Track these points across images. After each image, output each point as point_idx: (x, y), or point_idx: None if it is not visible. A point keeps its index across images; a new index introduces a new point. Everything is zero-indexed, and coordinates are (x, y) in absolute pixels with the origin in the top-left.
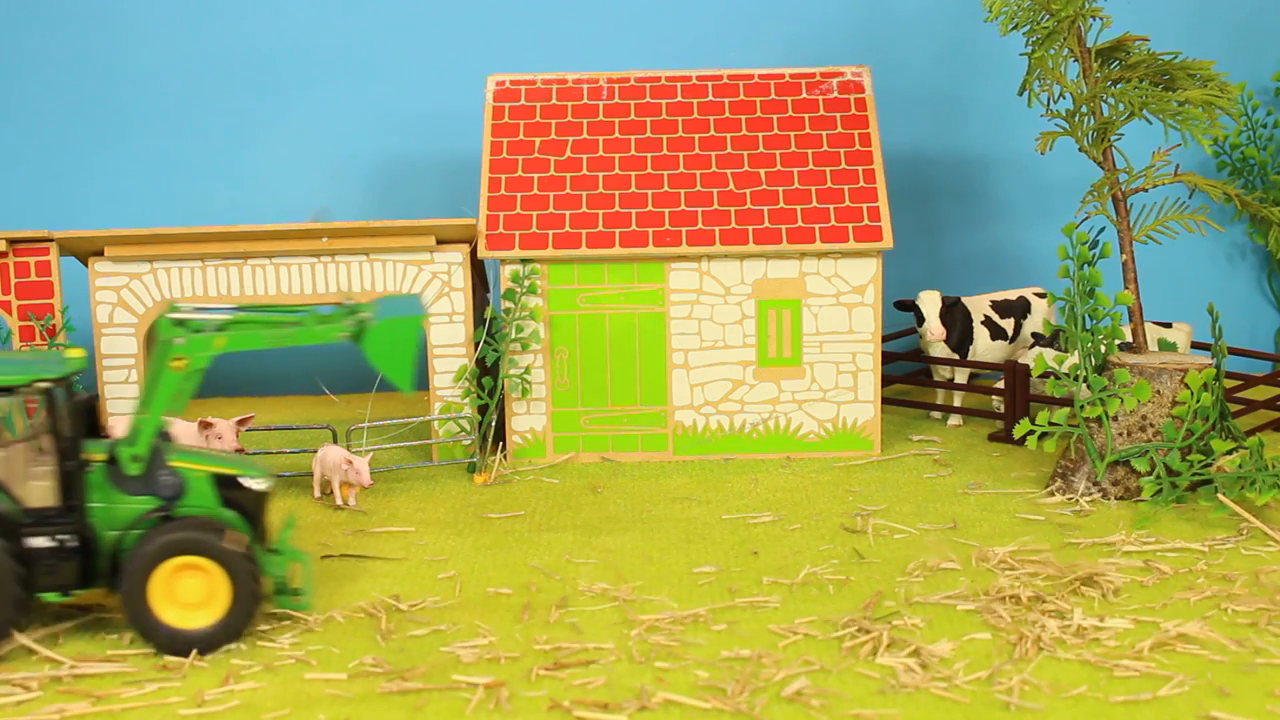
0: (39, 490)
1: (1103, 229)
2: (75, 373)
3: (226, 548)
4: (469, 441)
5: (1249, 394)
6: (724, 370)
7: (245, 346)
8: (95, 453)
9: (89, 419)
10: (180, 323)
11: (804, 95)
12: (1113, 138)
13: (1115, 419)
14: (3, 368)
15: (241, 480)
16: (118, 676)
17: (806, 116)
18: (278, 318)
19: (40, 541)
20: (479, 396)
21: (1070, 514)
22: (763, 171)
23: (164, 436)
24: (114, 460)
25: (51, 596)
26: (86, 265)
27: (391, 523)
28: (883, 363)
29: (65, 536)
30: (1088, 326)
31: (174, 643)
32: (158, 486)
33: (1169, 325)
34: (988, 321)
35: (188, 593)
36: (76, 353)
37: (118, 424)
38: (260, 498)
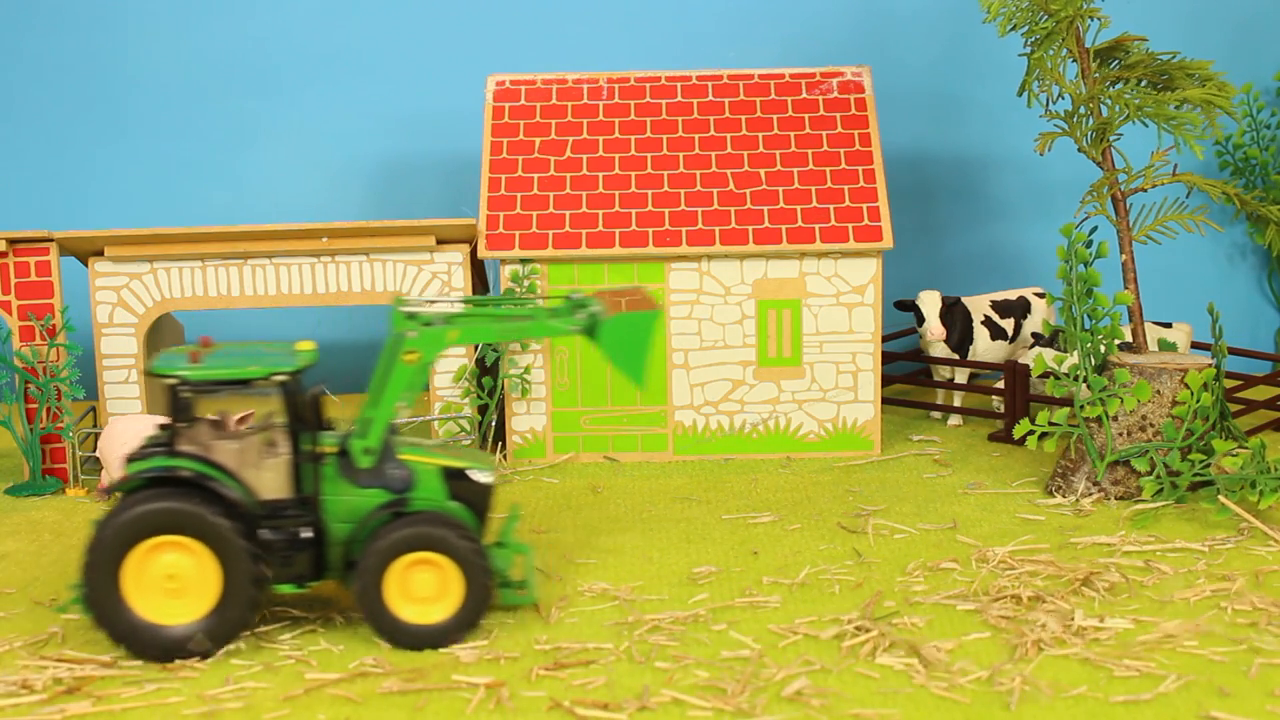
0: (272, 482)
1: (1095, 229)
2: (308, 366)
3: (463, 543)
4: (469, 441)
5: (1249, 394)
6: (724, 370)
7: (476, 340)
8: (326, 445)
9: (317, 412)
10: (412, 316)
11: (804, 95)
12: (1111, 138)
13: (1115, 419)
14: (239, 360)
15: (469, 473)
16: (118, 676)
17: (806, 116)
18: (508, 311)
19: (276, 533)
20: (479, 396)
21: (1070, 514)
22: (763, 171)
23: (392, 430)
24: (345, 453)
25: (286, 588)
26: (86, 265)
27: None
28: (883, 363)
29: (300, 528)
30: (1086, 326)
31: (408, 638)
32: (388, 480)
33: (1169, 325)
34: (988, 321)
35: (421, 587)
36: (308, 345)
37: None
38: (487, 491)
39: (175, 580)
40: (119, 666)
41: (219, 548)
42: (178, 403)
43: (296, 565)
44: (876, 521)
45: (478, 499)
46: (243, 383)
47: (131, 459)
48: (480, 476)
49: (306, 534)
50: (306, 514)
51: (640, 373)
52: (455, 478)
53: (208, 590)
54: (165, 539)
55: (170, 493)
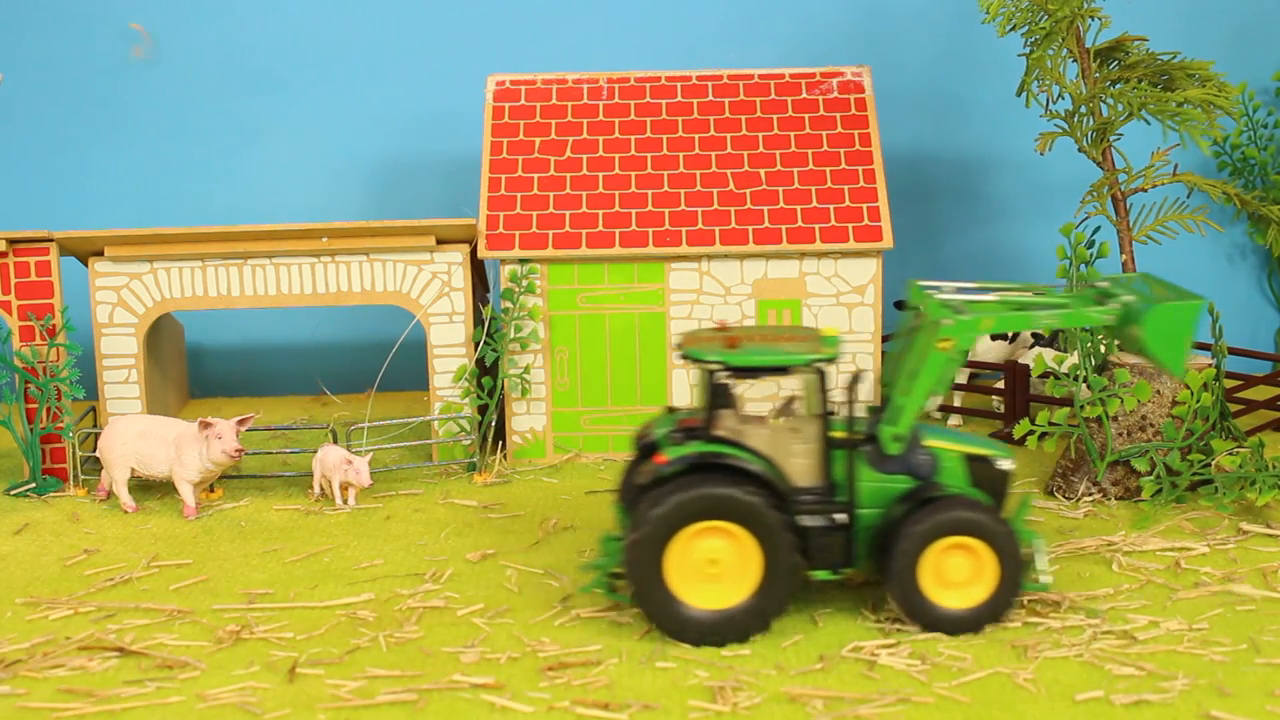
0: (802, 468)
1: (1098, 229)
2: (839, 353)
3: (999, 528)
4: (469, 441)
5: (1249, 394)
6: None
7: (1010, 328)
8: (856, 432)
9: (852, 398)
10: (947, 304)
11: (804, 95)
12: (1112, 138)
13: (1115, 419)
14: (776, 346)
15: (992, 460)
16: (118, 676)
17: (806, 116)
18: (1040, 300)
19: (814, 518)
20: (479, 396)
21: (1070, 514)
22: (763, 171)
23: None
24: (872, 439)
25: (821, 574)
26: (86, 265)
27: (391, 523)
28: (883, 363)
29: (837, 514)
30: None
31: (940, 622)
32: (914, 466)
33: None
34: None
35: (955, 572)
36: (832, 331)
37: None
38: (1006, 478)
39: (716, 565)
40: (119, 665)
41: (762, 533)
42: (715, 388)
43: (831, 551)
44: None
45: (997, 486)
46: (781, 369)
47: (661, 444)
48: (1003, 464)
49: (841, 519)
50: (840, 500)
51: (1181, 364)
52: (977, 464)
53: (748, 575)
54: (709, 524)
55: (713, 478)
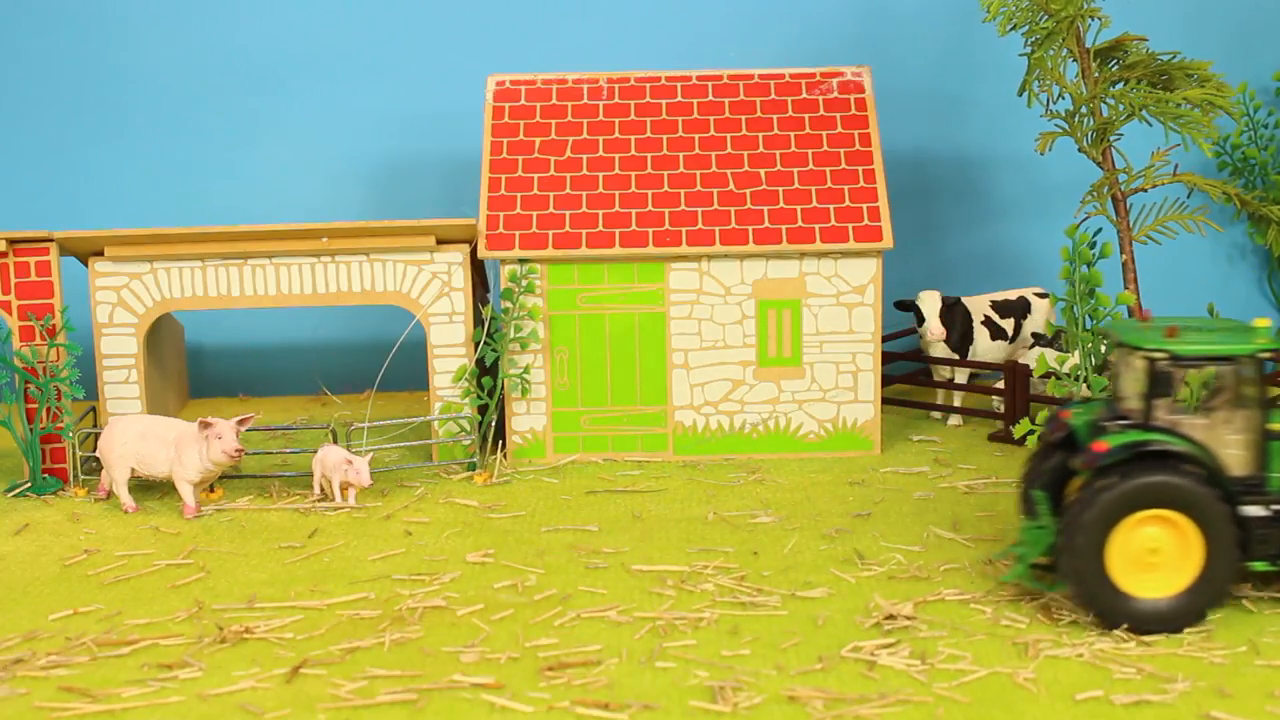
0: (1237, 458)
1: (1099, 230)
2: (1278, 344)
3: None
4: (469, 441)
5: None
6: (724, 370)
7: None
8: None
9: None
10: None
11: (804, 95)
12: (1112, 138)
13: None
14: (1217, 336)
15: None
16: (118, 676)
17: (806, 116)
18: None
19: (1255, 509)
20: (479, 396)
21: None
22: (763, 171)
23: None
24: None
25: (1260, 566)
26: (86, 265)
27: (391, 523)
28: (883, 363)
29: (1276, 504)
30: (1088, 326)
31: None
32: None
33: None
34: (988, 321)
35: None
36: (1264, 322)
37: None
38: None
39: (1156, 554)
40: (118, 666)
41: (1206, 523)
42: (1156, 376)
43: (1271, 543)
44: (877, 522)
45: None
46: (1225, 359)
47: (1081, 432)
48: None
49: None
50: (1275, 490)
51: None
52: None
53: (1187, 565)
54: (1153, 512)
55: (1156, 467)
